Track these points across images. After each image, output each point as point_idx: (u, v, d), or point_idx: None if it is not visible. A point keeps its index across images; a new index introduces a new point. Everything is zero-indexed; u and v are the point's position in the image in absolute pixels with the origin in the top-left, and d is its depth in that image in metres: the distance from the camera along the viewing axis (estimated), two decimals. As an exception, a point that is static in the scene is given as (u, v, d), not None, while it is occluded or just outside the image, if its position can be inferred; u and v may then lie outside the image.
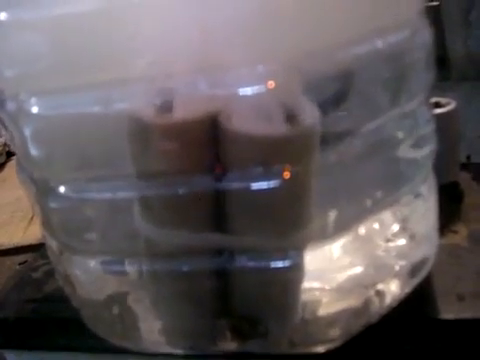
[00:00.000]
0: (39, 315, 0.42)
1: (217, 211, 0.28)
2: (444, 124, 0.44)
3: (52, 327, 0.42)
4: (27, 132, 0.29)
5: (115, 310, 0.36)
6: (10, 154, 1.29)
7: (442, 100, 0.45)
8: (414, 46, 0.29)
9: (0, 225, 0.87)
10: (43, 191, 0.31)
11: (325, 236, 0.29)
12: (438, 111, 0.44)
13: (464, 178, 0.48)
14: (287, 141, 0.26)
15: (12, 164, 1.27)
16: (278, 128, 0.26)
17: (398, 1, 0.28)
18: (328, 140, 0.27)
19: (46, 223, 0.33)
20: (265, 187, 0.27)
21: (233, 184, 0.27)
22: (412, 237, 0.36)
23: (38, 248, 0.72)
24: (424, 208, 0.36)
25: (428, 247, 0.37)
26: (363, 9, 0.26)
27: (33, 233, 0.82)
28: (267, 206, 0.28)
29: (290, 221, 0.28)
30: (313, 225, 0.28)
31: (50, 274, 0.46)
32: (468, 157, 0.63)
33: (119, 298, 0.35)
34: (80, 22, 0.26)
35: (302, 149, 0.27)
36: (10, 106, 0.30)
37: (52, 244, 0.35)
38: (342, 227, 0.29)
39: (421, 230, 0.37)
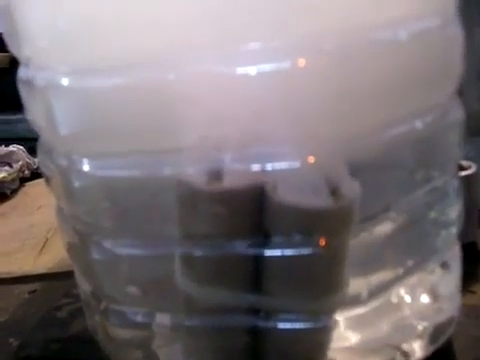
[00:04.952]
0: (64, 355, 0.43)
1: (256, 273, 0.30)
2: (465, 187, 0.46)
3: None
4: (76, 187, 0.31)
5: (139, 354, 0.37)
6: (23, 180, 1.30)
7: (464, 163, 0.47)
8: (446, 125, 0.31)
9: (11, 252, 0.88)
10: (86, 242, 0.33)
11: (357, 301, 0.30)
12: (459, 174, 0.46)
13: (481, 238, 0.50)
14: (329, 213, 0.28)
15: (25, 190, 1.28)
16: (322, 201, 0.27)
17: (436, 85, 0.30)
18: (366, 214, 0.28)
19: (86, 272, 0.34)
20: (304, 254, 0.28)
21: (274, 250, 0.28)
22: (435, 299, 0.38)
23: (48, 277, 0.73)
24: (448, 272, 0.38)
25: (451, 309, 0.39)
26: (402, 94, 0.28)
27: (43, 262, 0.82)
28: (304, 272, 0.29)
29: (325, 286, 0.30)
30: (346, 291, 0.30)
31: (75, 314, 0.47)
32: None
33: (144, 342, 0.36)
34: (136, 93, 0.28)
35: (342, 221, 0.28)
36: (61, 161, 0.32)
37: (87, 289, 0.36)
38: (372, 294, 0.30)
39: (444, 293, 0.38)
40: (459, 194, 0.35)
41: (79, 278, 0.37)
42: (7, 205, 1.20)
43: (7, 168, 1.21)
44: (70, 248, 0.36)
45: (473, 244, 0.48)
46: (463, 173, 0.46)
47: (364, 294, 0.30)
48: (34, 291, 0.67)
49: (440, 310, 0.38)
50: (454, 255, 0.36)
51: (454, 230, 0.36)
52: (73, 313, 0.47)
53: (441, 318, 0.38)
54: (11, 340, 0.48)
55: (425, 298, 0.37)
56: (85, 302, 0.38)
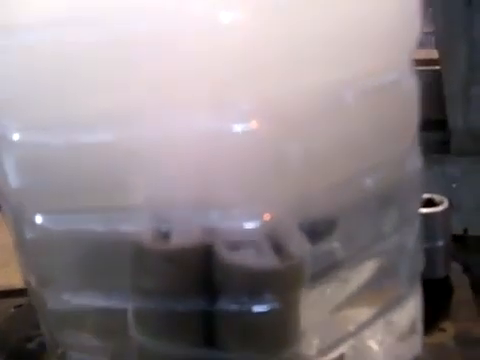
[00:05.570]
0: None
1: (208, 328, 0.30)
2: (437, 222, 0.46)
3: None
4: (28, 239, 0.31)
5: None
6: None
7: (436, 197, 0.47)
8: (403, 177, 0.31)
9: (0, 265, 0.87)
10: (40, 291, 0.33)
11: (310, 357, 0.30)
12: (431, 210, 0.46)
13: (455, 271, 0.49)
14: (277, 274, 0.27)
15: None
16: (269, 261, 0.27)
17: (391, 140, 0.29)
18: (317, 272, 0.28)
19: (42, 318, 0.34)
20: (253, 312, 0.28)
21: (224, 307, 0.28)
22: (399, 338, 0.37)
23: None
24: (409, 312, 0.37)
25: (414, 348, 0.38)
26: (355, 153, 0.28)
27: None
28: (255, 327, 0.29)
29: (276, 342, 0.30)
30: (299, 346, 0.30)
31: (45, 346, 0.47)
32: (465, 230, 0.65)
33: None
34: (86, 152, 0.27)
35: (291, 281, 0.28)
36: (14, 211, 0.32)
37: (46, 332, 0.36)
38: (328, 349, 0.30)
39: (407, 331, 0.38)
40: (419, 240, 0.34)
41: (40, 319, 0.37)
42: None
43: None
44: (29, 290, 0.35)
45: (445, 279, 0.48)
46: (436, 209, 0.46)
47: (313, 352, 0.29)
48: (20, 306, 0.66)
49: (404, 349, 0.38)
50: (416, 295, 0.36)
51: (415, 273, 0.35)
52: (43, 345, 0.47)
53: (407, 356, 0.38)
54: (-5, 356, 0.48)
55: (389, 338, 0.37)
56: (47, 340, 0.38)
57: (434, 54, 0.81)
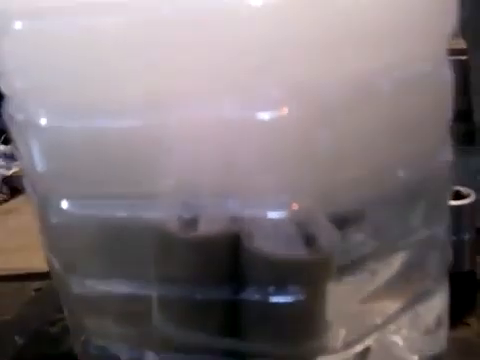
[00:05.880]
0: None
1: (233, 317, 0.29)
2: (464, 215, 0.45)
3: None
4: (54, 223, 0.31)
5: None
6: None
7: (463, 190, 0.46)
8: (434, 172, 0.30)
9: (21, 249, 0.88)
10: (65, 277, 0.33)
11: (336, 349, 0.30)
12: (459, 203, 0.45)
13: (480, 266, 0.48)
14: (305, 264, 0.27)
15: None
16: (297, 251, 0.27)
17: (425, 132, 0.29)
18: (346, 264, 0.28)
19: (66, 303, 0.34)
20: (280, 303, 0.28)
21: (249, 297, 0.28)
22: (425, 332, 0.37)
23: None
24: (435, 305, 0.37)
25: (439, 342, 0.38)
26: (387, 144, 0.27)
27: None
28: (280, 318, 0.29)
29: (303, 333, 0.29)
30: (325, 337, 0.29)
31: (68, 330, 0.47)
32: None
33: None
34: (113, 138, 0.27)
35: (319, 272, 0.27)
36: (41, 197, 0.32)
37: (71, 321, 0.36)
38: (354, 341, 0.30)
39: (431, 325, 0.37)
40: (447, 234, 0.34)
41: (63, 305, 0.37)
42: (20, 200, 1.20)
43: (19, 163, 1.22)
44: (53, 275, 0.36)
45: (472, 273, 0.47)
46: (463, 202, 0.45)
47: (338, 344, 0.29)
48: (39, 289, 0.67)
49: (429, 343, 0.37)
50: (443, 289, 0.35)
51: (443, 267, 0.35)
52: (66, 329, 0.47)
53: (432, 350, 0.37)
54: (17, 338, 0.48)
55: (414, 332, 0.37)
56: (70, 325, 0.39)
57: (461, 44, 0.79)
